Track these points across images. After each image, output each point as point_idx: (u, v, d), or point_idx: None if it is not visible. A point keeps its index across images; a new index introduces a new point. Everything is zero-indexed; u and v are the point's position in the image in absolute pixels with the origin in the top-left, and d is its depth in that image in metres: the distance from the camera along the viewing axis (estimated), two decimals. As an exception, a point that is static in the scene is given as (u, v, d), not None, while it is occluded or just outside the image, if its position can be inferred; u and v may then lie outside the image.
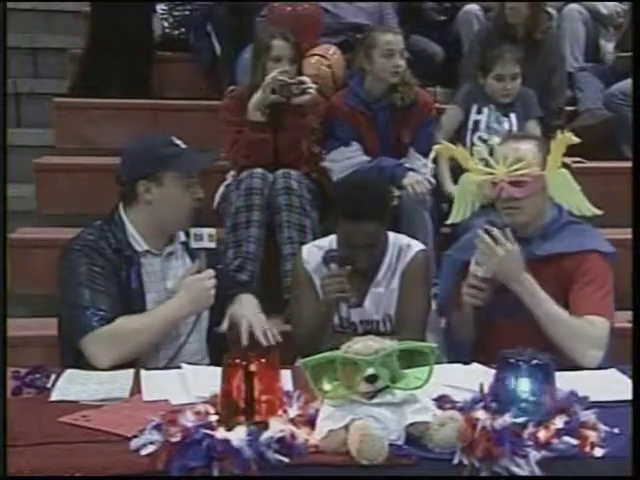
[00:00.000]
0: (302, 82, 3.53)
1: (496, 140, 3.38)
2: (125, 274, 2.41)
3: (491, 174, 2.47)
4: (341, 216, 2.61)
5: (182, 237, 2.51)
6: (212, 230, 2.41)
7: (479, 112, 3.79)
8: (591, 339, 2.34)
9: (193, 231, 2.40)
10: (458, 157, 2.64)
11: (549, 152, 2.50)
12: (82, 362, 2.28)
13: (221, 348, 2.48)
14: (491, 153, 2.58)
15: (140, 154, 2.46)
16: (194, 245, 2.41)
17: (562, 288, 2.44)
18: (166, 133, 2.54)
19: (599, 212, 2.53)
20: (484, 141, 3.64)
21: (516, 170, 2.43)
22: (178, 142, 2.47)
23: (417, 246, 2.74)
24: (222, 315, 2.57)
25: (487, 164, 2.51)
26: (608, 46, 4.85)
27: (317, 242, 2.83)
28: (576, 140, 2.50)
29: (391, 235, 2.74)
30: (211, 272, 2.39)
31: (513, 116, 3.82)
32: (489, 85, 3.83)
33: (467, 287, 2.42)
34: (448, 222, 2.72)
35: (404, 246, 2.72)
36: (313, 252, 2.74)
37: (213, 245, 2.41)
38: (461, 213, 2.65)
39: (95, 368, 2.24)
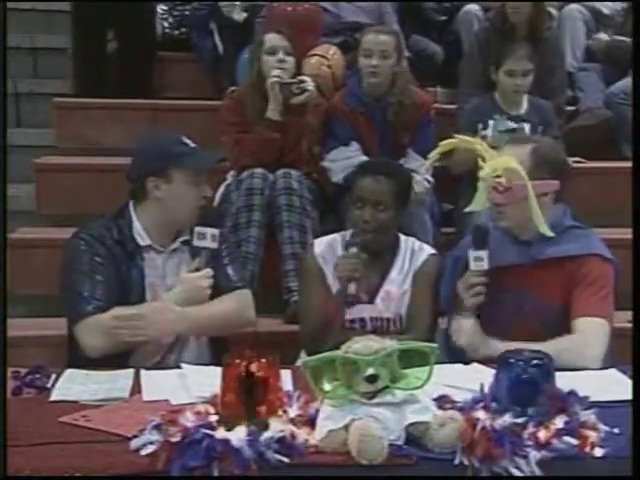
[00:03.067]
0: (302, 81, 3.54)
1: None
2: (126, 267, 2.44)
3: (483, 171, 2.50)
4: (358, 175, 2.75)
5: (187, 235, 2.52)
6: (215, 231, 2.43)
7: (485, 127, 3.71)
8: (586, 351, 2.32)
9: (197, 229, 2.43)
10: (478, 149, 2.59)
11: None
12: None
13: (223, 348, 2.51)
14: None
15: (150, 152, 2.50)
16: (196, 243, 2.43)
17: (564, 291, 2.45)
18: (176, 132, 2.58)
19: (549, 234, 2.48)
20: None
21: (497, 177, 2.45)
22: (188, 141, 2.51)
23: (429, 250, 2.79)
24: None
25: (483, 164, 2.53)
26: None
27: (327, 236, 2.85)
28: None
29: (402, 237, 2.78)
30: (209, 272, 2.42)
31: (526, 126, 3.74)
32: (500, 81, 3.80)
33: (468, 288, 2.42)
34: (466, 210, 2.72)
35: (416, 249, 2.76)
36: (324, 244, 2.77)
37: (215, 245, 2.43)
38: (480, 203, 2.64)
39: (88, 357, 2.29)
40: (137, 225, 2.48)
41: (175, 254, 2.53)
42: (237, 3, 4.40)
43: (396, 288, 2.71)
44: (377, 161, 3.01)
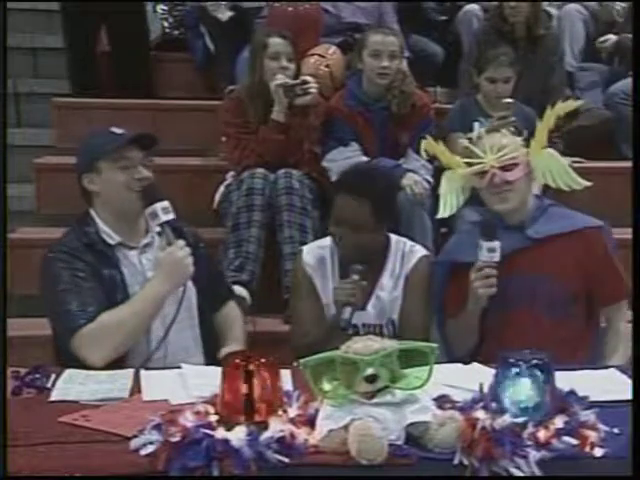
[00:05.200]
0: (305, 82, 3.54)
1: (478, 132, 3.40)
2: (105, 270, 2.42)
3: (480, 164, 2.51)
4: (337, 191, 2.66)
5: (157, 228, 2.49)
6: (164, 203, 2.39)
7: (470, 130, 3.63)
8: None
9: (148, 211, 2.40)
10: (440, 155, 2.68)
11: (533, 137, 2.56)
12: (77, 365, 2.27)
13: (215, 345, 2.51)
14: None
15: (80, 151, 2.55)
16: (153, 224, 2.42)
17: (567, 269, 2.51)
18: (106, 126, 2.56)
19: (588, 184, 2.57)
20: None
21: (504, 155, 2.50)
22: (116, 130, 2.50)
23: (420, 251, 2.75)
24: (212, 306, 2.61)
25: (472, 156, 2.56)
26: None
27: (317, 242, 2.84)
28: (564, 109, 2.55)
29: (393, 238, 2.75)
30: (181, 242, 2.39)
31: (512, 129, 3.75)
32: (482, 86, 3.83)
33: (480, 279, 2.42)
34: (438, 216, 2.75)
35: (407, 251, 2.72)
36: (313, 253, 2.75)
37: (171, 216, 2.39)
38: (449, 207, 2.67)
39: (91, 368, 2.24)
40: (102, 226, 2.48)
41: (148, 249, 2.51)
42: (222, 3, 4.40)
43: (387, 293, 2.68)
44: (355, 175, 2.75)
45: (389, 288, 2.68)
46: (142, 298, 2.38)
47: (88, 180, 2.48)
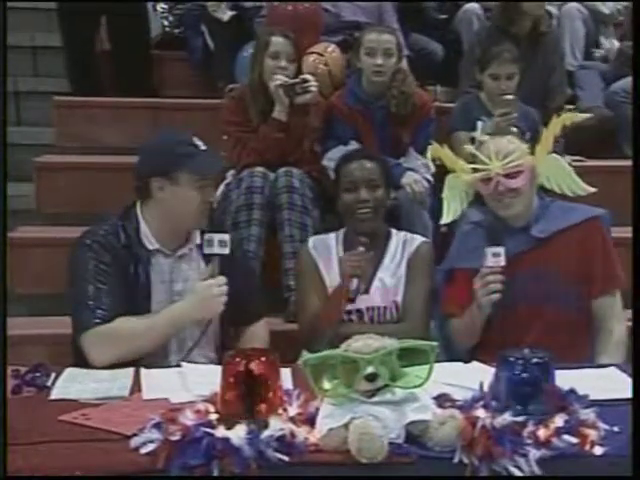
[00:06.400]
0: (305, 80, 3.54)
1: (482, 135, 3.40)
2: (133, 272, 2.39)
3: (485, 170, 2.50)
4: (342, 164, 2.83)
5: (198, 240, 2.47)
6: (224, 236, 2.33)
7: (473, 128, 3.68)
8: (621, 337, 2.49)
9: (206, 237, 2.35)
10: (444, 159, 2.68)
11: (538, 141, 2.55)
12: (84, 359, 2.28)
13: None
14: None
15: (157, 151, 2.45)
16: (206, 251, 2.36)
17: (573, 263, 2.52)
18: (187, 132, 2.51)
19: (593, 190, 2.57)
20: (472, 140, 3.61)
21: (510, 162, 2.49)
22: (197, 142, 2.44)
23: (421, 238, 2.85)
24: (239, 324, 2.57)
25: (477, 161, 2.55)
26: (609, 42, 4.85)
27: (321, 235, 2.93)
28: (571, 119, 2.56)
29: (393, 230, 2.85)
30: (222, 279, 2.32)
31: (514, 129, 3.73)
32: (485, 83, 3.81)
33: (482, 287, 2.41)
34: (442, 222, 2.76)
35: (408, 238, 2.82)
36: (319, 241, 2.85)
37: (226, 251, 2.32)
38: (452, 212, 2.68)
39: (92, 367, 2.24)
40: (144, 228, 2.43)
41: (183, 259, 2.47)
42: (222, 2, 4.40)
43: (390, 276, 2.74)
44: (357, 150, 3.12)
45: (391, 271, 2.75)
46: (164, 317, 2.34)
47: (159, 185, 2.39)
